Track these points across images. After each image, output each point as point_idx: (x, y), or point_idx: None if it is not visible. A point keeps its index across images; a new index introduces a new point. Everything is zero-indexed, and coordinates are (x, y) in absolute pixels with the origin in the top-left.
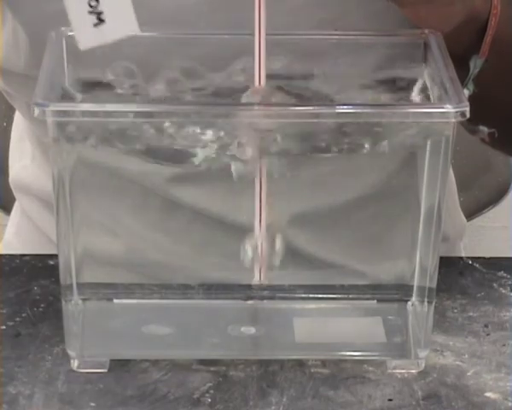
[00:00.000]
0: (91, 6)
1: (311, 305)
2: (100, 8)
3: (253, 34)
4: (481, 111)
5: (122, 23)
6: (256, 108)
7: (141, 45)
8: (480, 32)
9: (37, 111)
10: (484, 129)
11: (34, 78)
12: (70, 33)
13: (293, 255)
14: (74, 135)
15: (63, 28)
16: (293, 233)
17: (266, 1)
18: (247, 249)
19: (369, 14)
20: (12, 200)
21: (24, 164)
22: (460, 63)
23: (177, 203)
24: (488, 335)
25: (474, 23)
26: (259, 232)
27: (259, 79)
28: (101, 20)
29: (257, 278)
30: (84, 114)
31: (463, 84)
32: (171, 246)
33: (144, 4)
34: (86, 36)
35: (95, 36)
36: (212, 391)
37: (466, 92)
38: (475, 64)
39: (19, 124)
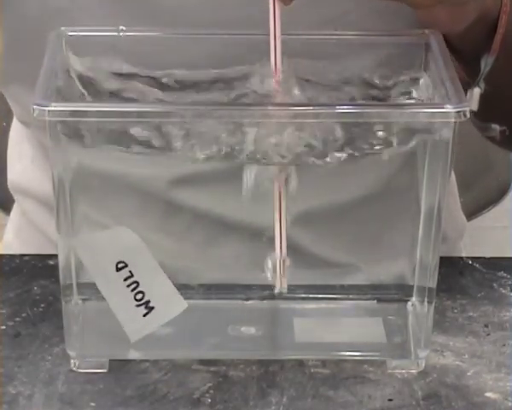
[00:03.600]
0: (137, 299)
1: (311, 305)
2: (146, 298)
3: (258, 34)
4: (493, 109)
5: (171, 304)
6: (254, 108)
7: (143, 44)
8: (491, 30)
9: (37, 111)
10: (496, 127)
11: None
12: (70, 33)
13: (294, 254)
14: (74, 136)
15: (63, 28)
16: (295, 232)
17: (266, 0)
18: (268, 262)
19: (370, 13)
20: (12, 200)
21: (23, 166)
22: (471, 62)
23: (178, 206)
24: (488, 335)
25: (485, 21)
26: (279, 241)
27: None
28: (150, 308)
29: (278, 287)
30: (85, 114)
31: (475, 82)
32: (173, 249)
33: (146, 3)
34: (137, 327)
35: (146, 324)
36: (212, 391)
37: (477, 91)
38: (486, 62)
39: (17, 126)
